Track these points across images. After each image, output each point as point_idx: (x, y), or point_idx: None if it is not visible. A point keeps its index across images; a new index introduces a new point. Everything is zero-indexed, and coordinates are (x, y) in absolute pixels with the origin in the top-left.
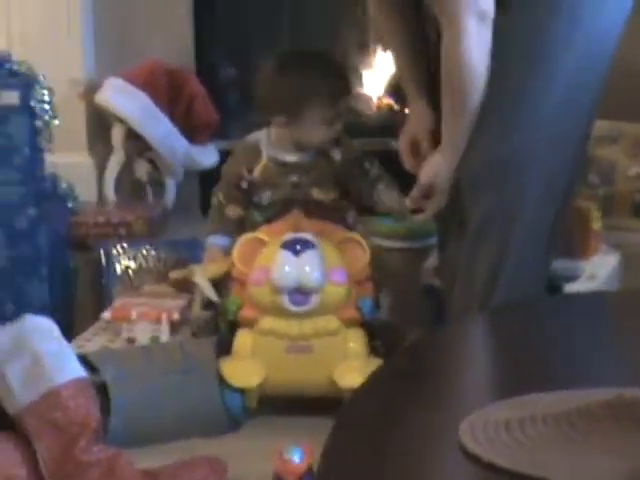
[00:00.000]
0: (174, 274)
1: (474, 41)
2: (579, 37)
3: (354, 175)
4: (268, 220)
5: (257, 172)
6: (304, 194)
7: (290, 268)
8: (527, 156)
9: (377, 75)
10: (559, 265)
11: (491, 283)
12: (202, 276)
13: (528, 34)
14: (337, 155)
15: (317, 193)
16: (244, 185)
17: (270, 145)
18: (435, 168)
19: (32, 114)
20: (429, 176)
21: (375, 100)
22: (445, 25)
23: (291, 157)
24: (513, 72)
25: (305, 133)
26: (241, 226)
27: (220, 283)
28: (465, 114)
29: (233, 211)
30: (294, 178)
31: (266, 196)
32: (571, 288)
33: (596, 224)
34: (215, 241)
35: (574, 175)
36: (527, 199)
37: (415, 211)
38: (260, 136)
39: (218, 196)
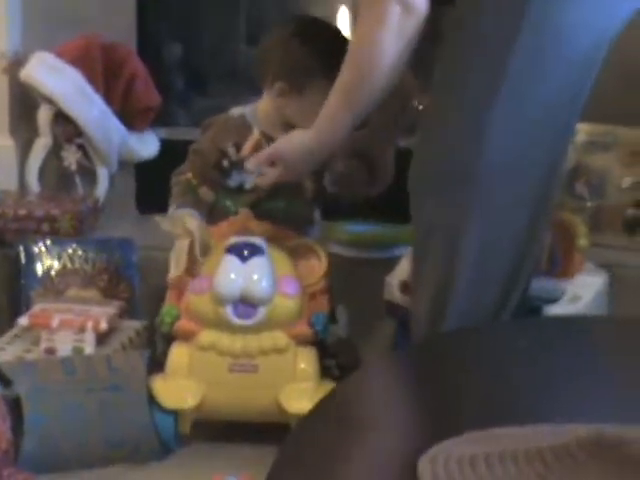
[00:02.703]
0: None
1: (392, 32)
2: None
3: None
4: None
5: (247, 149)
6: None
7: (236, 276)
8: (477, 165)
9: None
10: (538, 284)
11: (438, 310)
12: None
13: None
14: None
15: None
16: (226, 164)
17: (259, 121)
18: (292, 141)
19: None
20: (281, 144)
21: None
22: (365, 8)
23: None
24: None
25: (300, 110)
26: (210, 215)
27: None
28: (352, 105)
29: (207, 194)
30: None
31: (251, 178)
32: (551, 310)
33: (583, 240)
34: (190, 212)
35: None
36: (474, 213)
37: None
38: (244, 111)
39: (187, 176)
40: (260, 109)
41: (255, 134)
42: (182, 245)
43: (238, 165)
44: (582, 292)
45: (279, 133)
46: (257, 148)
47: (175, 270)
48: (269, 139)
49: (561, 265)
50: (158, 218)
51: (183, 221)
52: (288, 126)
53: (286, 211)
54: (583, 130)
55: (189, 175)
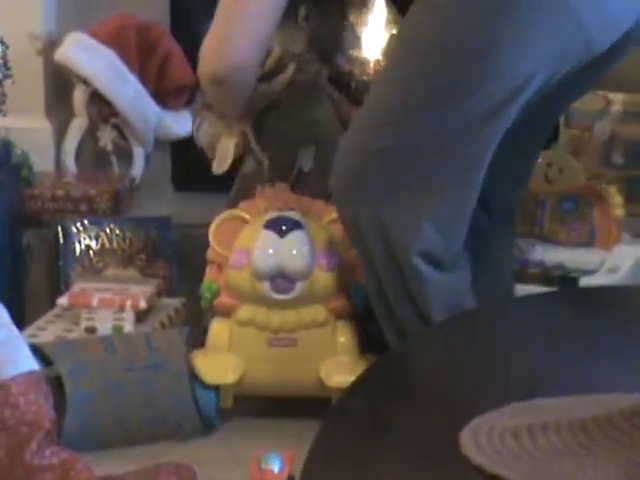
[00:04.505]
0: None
1: None
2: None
3: None
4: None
5: (270, 63)
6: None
7: (274, 251)
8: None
9: (375, 35)
10: (575, 256)
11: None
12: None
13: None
14: None
15: None
16: None
17: (279, 39)
18: None
19: None
20: None
21: (372, 64)
22: None
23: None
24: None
25: (322, 22)
26: None
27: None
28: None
29: None
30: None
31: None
32: (588, 281)
33: (619, 210)
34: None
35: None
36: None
37: None
38: None
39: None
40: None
41: (277, 49)
42: (229, 143)
43: (263, 79)
44: (620, 263)
45: (300, 48)
46: (279, 62)
47: (219, 167)
48: (291, 55)
49: (598, 236)
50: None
51: (234, 122)
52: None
53: (318, 122)
54: (618, 100)
55: None
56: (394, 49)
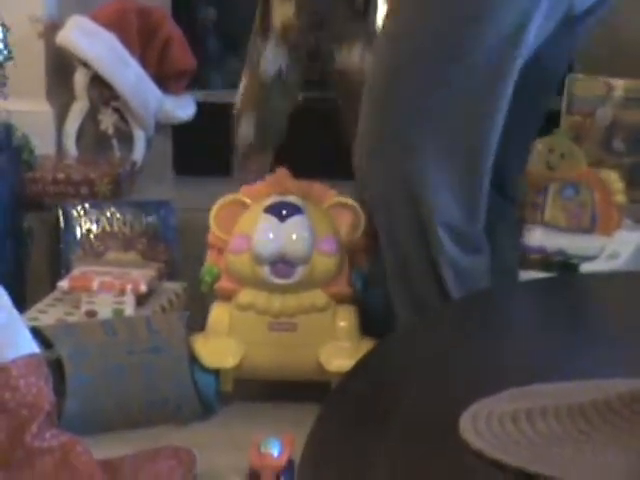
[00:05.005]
0: None
1: None
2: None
3: None
4: None
5: None
6: None
7: (274, 235)
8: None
9: None
10: (576, 242)
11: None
12: None
13: None
14: None
15: None
16: None
17: None
18: None
19: None
20: None
21: None
22: None
23: None
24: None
25: None
26: None
27: None
28: None
29: None
30: None
31: None
32: (589, 267)
33: (620, 196)
34: None
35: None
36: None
37: None
38: None
39: None
40: None
41: None
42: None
43: None
44: (621, 249)
45: None
46: None
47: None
48: None
49: (599, 222)
50: None
51: None
52: None
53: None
54: (620, 86)
55: None
56: (386, 15)
